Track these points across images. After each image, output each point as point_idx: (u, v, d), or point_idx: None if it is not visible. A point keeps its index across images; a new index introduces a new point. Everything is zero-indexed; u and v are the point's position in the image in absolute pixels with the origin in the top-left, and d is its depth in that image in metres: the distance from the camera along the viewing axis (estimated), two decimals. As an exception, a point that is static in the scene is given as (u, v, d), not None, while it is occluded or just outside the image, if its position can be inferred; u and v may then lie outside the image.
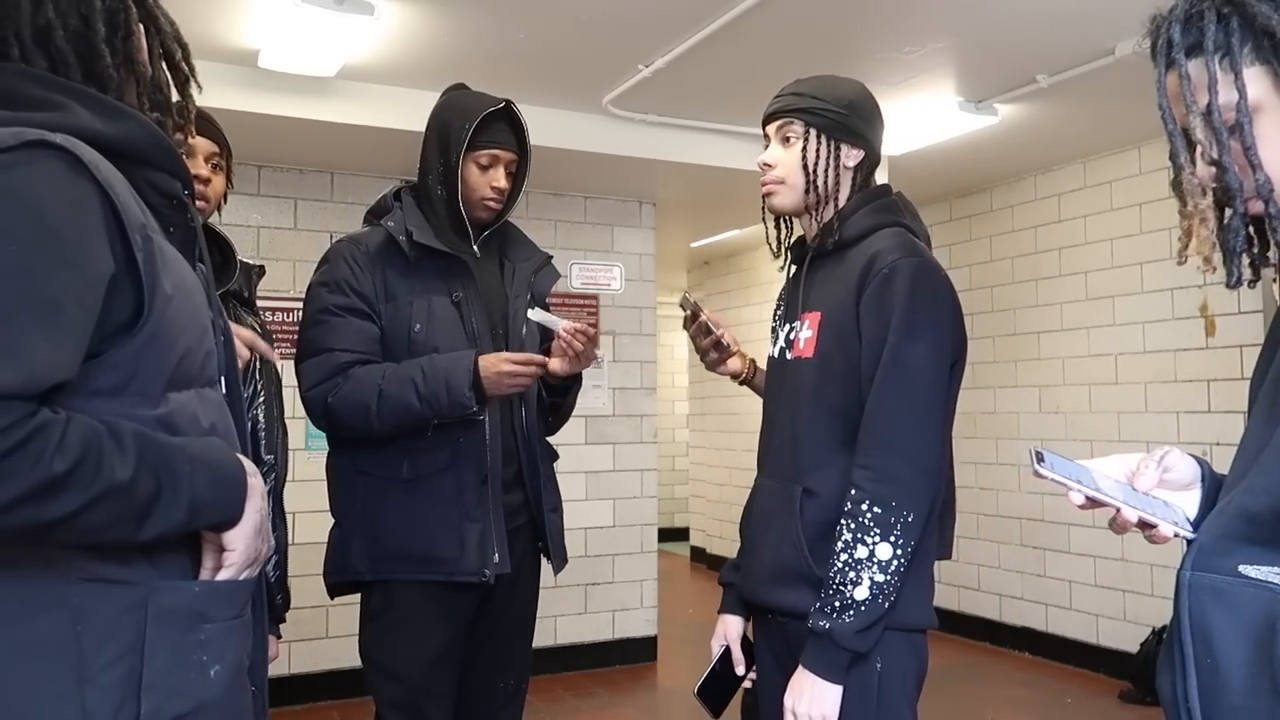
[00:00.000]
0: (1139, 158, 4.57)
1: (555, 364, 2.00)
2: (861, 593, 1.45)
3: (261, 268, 2.28)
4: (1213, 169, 0.94)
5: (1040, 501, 4.97)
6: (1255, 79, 0.91)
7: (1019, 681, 4.66)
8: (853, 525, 1.47)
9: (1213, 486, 1.05)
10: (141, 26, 1.12)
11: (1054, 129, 4.30)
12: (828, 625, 1.46)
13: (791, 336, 1.68)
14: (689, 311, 1.93)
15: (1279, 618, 0.84)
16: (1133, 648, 4.39)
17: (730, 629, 1.75)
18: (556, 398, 2.18)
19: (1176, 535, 1.00)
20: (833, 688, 1.47)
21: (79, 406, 0.92)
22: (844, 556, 1.47)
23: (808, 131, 1.65)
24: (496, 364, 1.90)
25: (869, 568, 1.45)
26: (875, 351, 1.52)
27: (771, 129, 1.70)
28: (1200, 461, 1.08)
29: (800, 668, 1.50)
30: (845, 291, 1.58)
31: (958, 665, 4.84)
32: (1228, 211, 0.95)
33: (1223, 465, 1.07)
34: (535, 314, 1.95)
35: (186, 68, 1.19)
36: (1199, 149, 0.95)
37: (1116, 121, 4.22)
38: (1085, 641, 4.76)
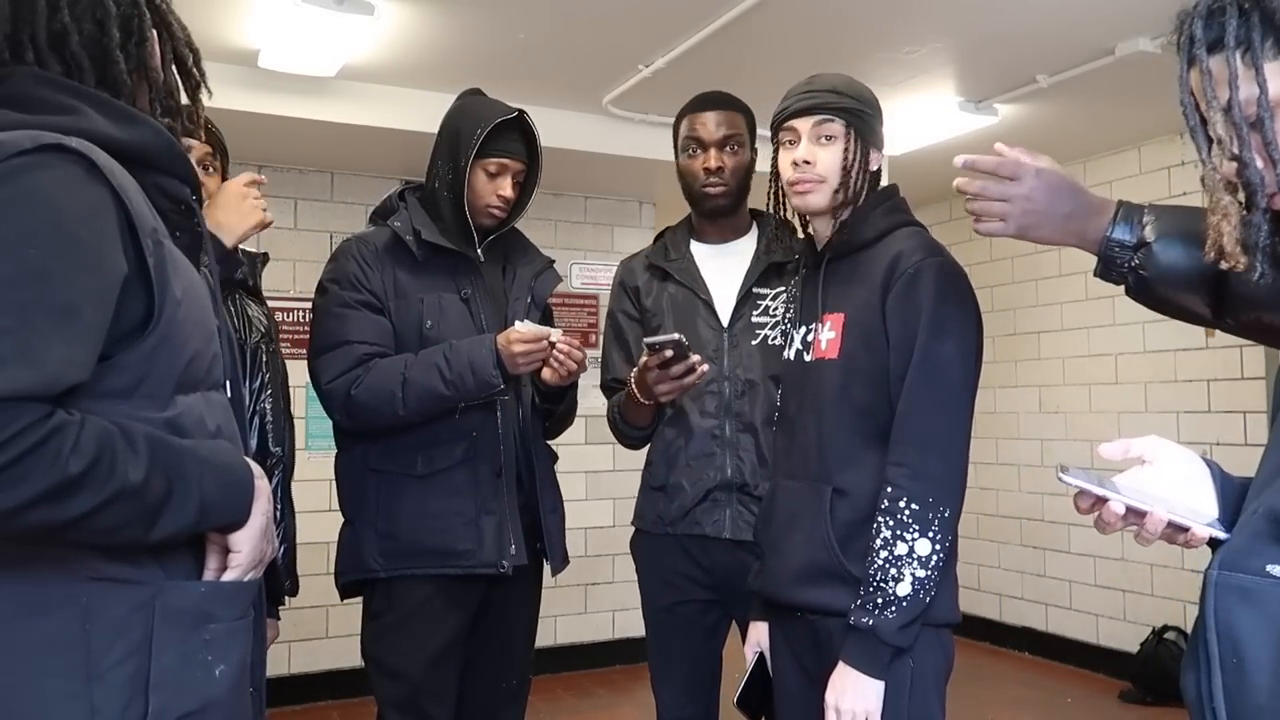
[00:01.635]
0: (1139, 158, 4.57)
1: (547, 374, 2.02)
2: (904, 589, 1.47)
3: (265, 255, 2.28)
4: (1234, 164, 0.94)
5: (1040, 501, 4.97)
6: (1277, 73, 0.91)
7: (1019, 681, 4.66)
8: (891, 522, 1.49)
9: (1227, 486, 1.04)
10: (155, 32, 1.13)
11: (1054, 129, 4.30)
12: (871, 622, 1.47)
13: (810, 338, 1.67)
14: (672, 352, 1.91)
15: None
16: (1133, 648, 4.39)
17: (764, 635, 1.74)
18: (549, 404, 2.19)
19: (1212, 538, 0.98)
20: (875, 683, 1.48)
21: (89, 408, 0.93)
22: (884, 554, 1.48)
23: (848, 132, 1.63)
24: (507, 345, 1.93)
25: (909, 564, 1.47)
26: (903, 351, 1.53)
27: (805, 125, 1.63)
28: (1207, 462, 1.07)
29: (841, 665, 1.50)
30: (869, 292, 1.58)
31: (958, 665, 4.83)
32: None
33: (1223, 465, 1.06)
34: (526, 326, 1.95)
35: (198, 73, 1.20)
36: (1221, 145, 0.95)
37: (1116, 121, 4.22)
38: (1085, 641, 4.76)
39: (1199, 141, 0.97)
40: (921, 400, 1.51)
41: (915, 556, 1.47)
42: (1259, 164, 0.92)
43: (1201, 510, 1.02)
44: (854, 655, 1.49)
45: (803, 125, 1.64)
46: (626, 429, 2.21)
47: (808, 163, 1.63)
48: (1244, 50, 0.92)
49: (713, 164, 2.10)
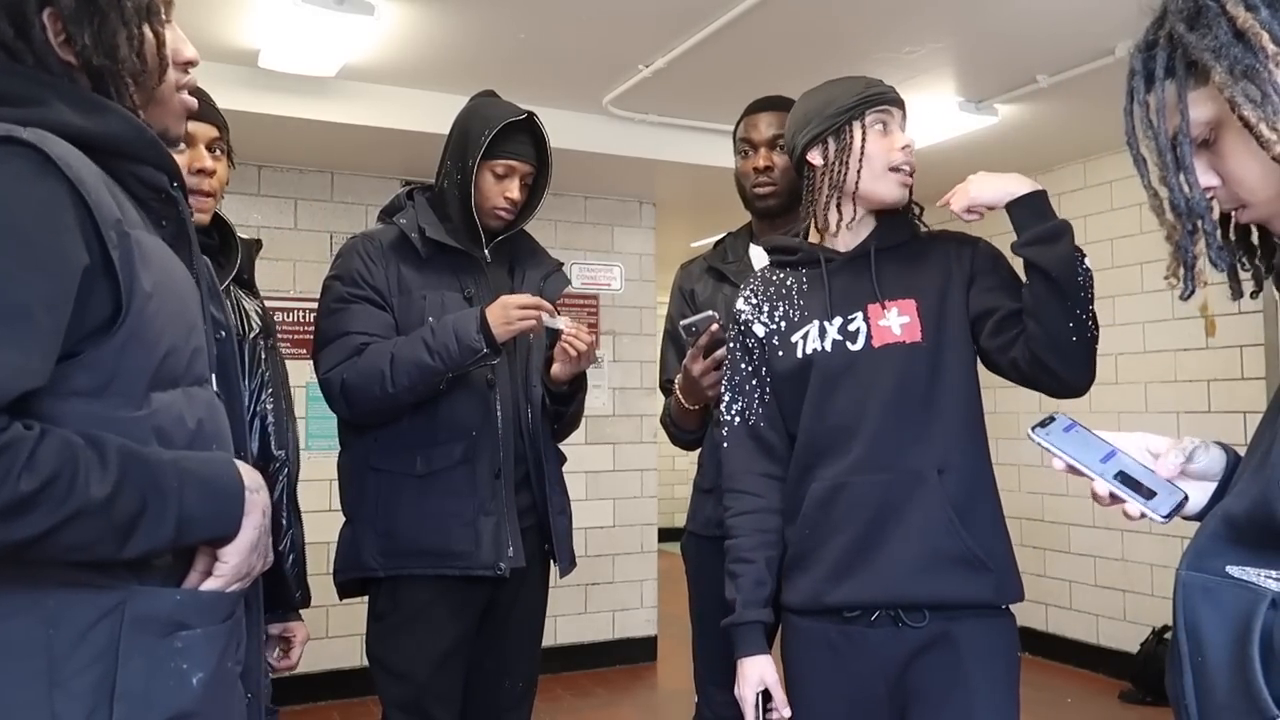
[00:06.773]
0: (1139, 158, 4.56)
1: (557, 368, 2.03)
2: None
3: (259, 241, 2.23)
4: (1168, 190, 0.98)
5: (1040, 502, 4.97)
6: (1206, 99, 0.93)
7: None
8: None
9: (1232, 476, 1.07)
10: (50, 7, 0.99)
11: (1054, 129, 4.30)
12: None
13: (852, 327, 1.63)
14: (708, 338, 1.90)
15: (1254, 616, 0.86)
16: (1133, 648, 4.39)
17: (768, 671, 1.63)
18: (560, 405, 2.19)
19: (1143, 515, 1.02)
20: None
21: (56, 408, 0.90)
22: None
23: None
24: (502, 307, 1.93)
25: None
26: (1000, 283, 1.66)
27: (899, 115, 1.65)
28: (1229, 450, 1.10)
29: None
30: (940, 276, 1.64)
31: (958, 665, 4.83)
32: (1234, 227, 0.98)
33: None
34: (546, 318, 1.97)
35: (142, 32, 1.05)
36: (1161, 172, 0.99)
37: (1116, 121, 4.16)
38: (1085, 641, 4.76)
39: (1141, 171, 1.01)
40: None
41: None
42: (1185, 190, 0.95)
43: (1197, 498, 1.05)
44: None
45: (898, 115, 1.65)
46: (678, 432, 2.21)
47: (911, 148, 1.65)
48: (1171, 81, 0.95)
49: (760, 163, 2.10)
